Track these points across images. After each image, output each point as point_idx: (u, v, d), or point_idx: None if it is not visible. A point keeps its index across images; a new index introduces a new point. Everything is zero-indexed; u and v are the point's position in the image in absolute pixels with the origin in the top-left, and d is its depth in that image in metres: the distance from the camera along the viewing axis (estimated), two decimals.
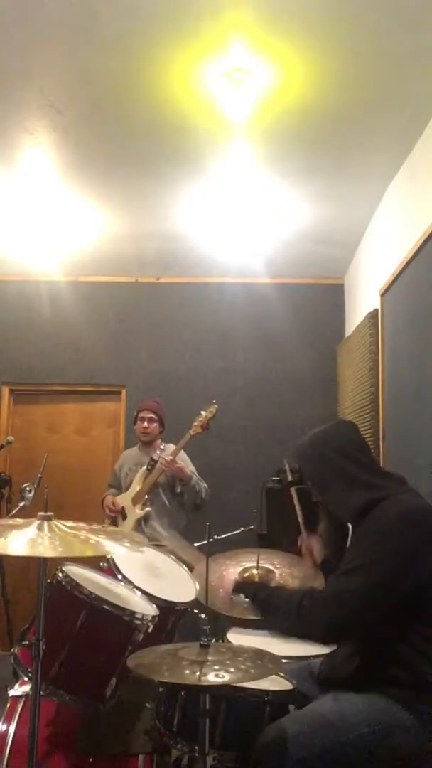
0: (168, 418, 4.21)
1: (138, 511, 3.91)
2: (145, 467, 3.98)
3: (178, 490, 3.96)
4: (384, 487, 1.96)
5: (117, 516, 4.00)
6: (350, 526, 2.01)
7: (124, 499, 4.02)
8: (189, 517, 4.04)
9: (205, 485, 3.95)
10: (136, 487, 3.97)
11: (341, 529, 2.05)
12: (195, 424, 3.90)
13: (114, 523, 4.03)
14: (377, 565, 1.81)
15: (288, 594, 2.11)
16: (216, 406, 3.93)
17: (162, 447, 4.03)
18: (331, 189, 3.71)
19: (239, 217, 4.05)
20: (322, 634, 1.98)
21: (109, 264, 5.02)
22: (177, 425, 4.19)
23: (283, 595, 2.09)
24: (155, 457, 3.95)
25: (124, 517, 3.97)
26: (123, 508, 3.99)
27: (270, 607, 2.10)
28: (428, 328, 2.90)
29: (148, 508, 3.90)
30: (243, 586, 2.30)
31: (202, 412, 3.93)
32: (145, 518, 3.90)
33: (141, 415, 4.13)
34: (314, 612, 1.90)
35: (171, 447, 4.00)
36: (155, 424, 4.10)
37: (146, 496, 3.91)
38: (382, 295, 3.68)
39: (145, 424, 4.09)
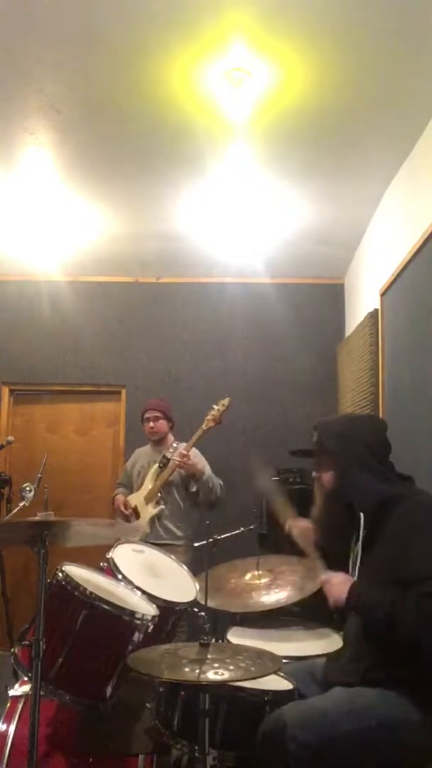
0: (174, 414, 4.18)
1: (151, 509, 3.88)
2: (157, 465, 3.95)
3: (193, 488, 3.93)
4: (403, 486, 2.00)
5: (130, 516, 3.98)
6: (361, 515, 1.99)
7: (136, 498, 3.99)
8: (202, 516, 4.00)
9: (220, 482, 3.91)
10: (148, 485, 3.95)
11: (343, 512, 2.03)
12: (207, 417, 3.81)
13: (126, 522, 4.01)
14: None
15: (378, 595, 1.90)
16: (228, 399, 3.85)
17: (175, 445, 3.99)
18: (331, 189, 3.71)
19: (239, 217, 4.05)
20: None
21: (109, 264, 5.02)
22: (178, 425, 4.18)
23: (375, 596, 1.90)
24: (168, 455, 3.92)
25: (137, 516, 3.95)
26: (135, 506, 3.97)
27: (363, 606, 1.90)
28: (428, 328, 2.90)
29: (161, 506, 3.88)
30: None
31: (215, 406, 3.84)
32: (158, 516, 3.88)
33: (146, 415, 4.09)
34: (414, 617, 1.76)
35: (183, 445, 3.97)
36: (162, 422, 4.06)
37: (159, 494, 3.89)
38: (382, 295, 3.68)
39: (152, 424, 4.05)
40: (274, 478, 3.70)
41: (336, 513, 2.06)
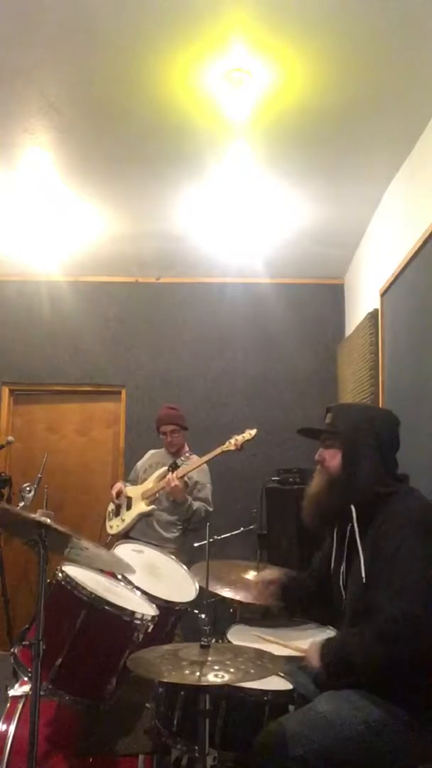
0: (187, 420, 4.14)
1: (143, 506, 3.89)
2: (166, 468, 3.94)
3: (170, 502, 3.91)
4: (397, 485, 2.00)
5: (121, 505, 3.99)
6: (353, 507, 2.00)
7: (134, 491, 4.01)
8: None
9: (207, 510, 3.87)
10: (149, 483, 3.96)
11: (338, 499, 2.03)
12: (230, 441, 3.78)
13: (117, 509, 4.03)
14: (418, 562, 1.82)
15: (342, 635, 1.97)
16: (256, 430, 3.80)
17: (187, 455, 4.00)
18: (331, 189, 3.71)
19: (239, 217, 4.04)
20: (398, 635, 1.76)
21: (109, 264, 5.02)
22: None
23: (340, 639, 1.96)
24: (179, 462, 3.91)
25: (128, 507, 3.96)
26: (130, 498, 3.98)
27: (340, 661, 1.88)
28: (428, 328, 2.90)
29: (153, 507, 3.88)
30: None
31: (242, 434, 3.80)
32: (148, 515, 3.88)
33: (162, 429, 4.06)
34: (381, 625, 1.79)
35: (195, 458, 3.94)
36: (177, 434, 4.05)
37: (156, 495, 3.89)
38: (382, 295, 3.68)
39: (170, 438, 4.04)
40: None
41: (332, 498, 2.05)
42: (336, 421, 2.11)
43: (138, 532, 3.86)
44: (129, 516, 3.93)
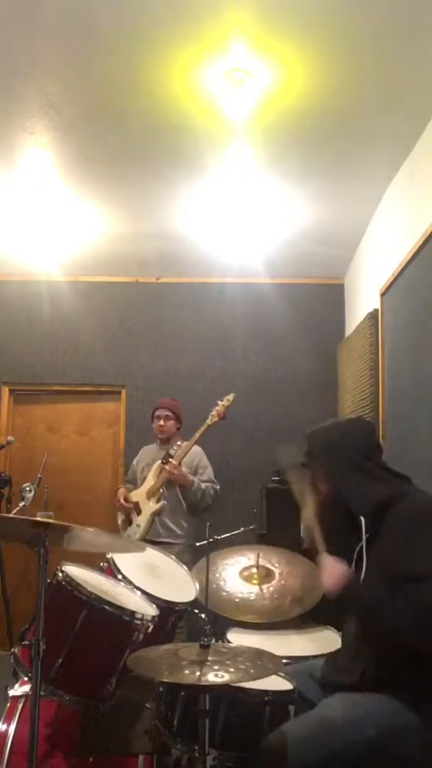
0: (184, 416, 4.18)
1: (153, 505, 3.90)
2: (160, 461, 3.96)
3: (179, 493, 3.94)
4: (400, 485, 2.00)
5: (131, 511, 4.00)
6: (362, 519, 1.99)
7: (138, 494, 4.02)
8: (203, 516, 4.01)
9: (215, 489, 3.93)
10: (150, 481, 3.97)
11: (344, 518, 2.02)
12: (212, 413, 3.87)
13: (128, 518, 4.02)
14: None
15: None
16: (233, 395, 3.91)
17: (179, 443, 4.02)
18: (331, 189, 3.71)
19: (239, 217, 4.04)
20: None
21: (109, 264, 5.02)
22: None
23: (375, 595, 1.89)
24: (172, 452, 3.94)
25: (139, 512, 3.96)
26: (137, 503, 3.98)
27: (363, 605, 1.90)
28: (428, 328, 2.90)
29: (163, 502, 3.89)
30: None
31: (220, 402, 3.90)
32: (159, 512, 3.89)
33: (157, 413, 4.11)
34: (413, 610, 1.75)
35: (186, 444, 3.97)
36: (171, 422, 4.08)
37: (160, 491, 3.90)
38: (382, 295, 3.68)
39: (161, 422, 4.08)
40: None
41: (336, 520, 2.06)
42: (312, 448, 2.14)
43: (152, 533, 3.86)
44: (143, 520, 3.92)
